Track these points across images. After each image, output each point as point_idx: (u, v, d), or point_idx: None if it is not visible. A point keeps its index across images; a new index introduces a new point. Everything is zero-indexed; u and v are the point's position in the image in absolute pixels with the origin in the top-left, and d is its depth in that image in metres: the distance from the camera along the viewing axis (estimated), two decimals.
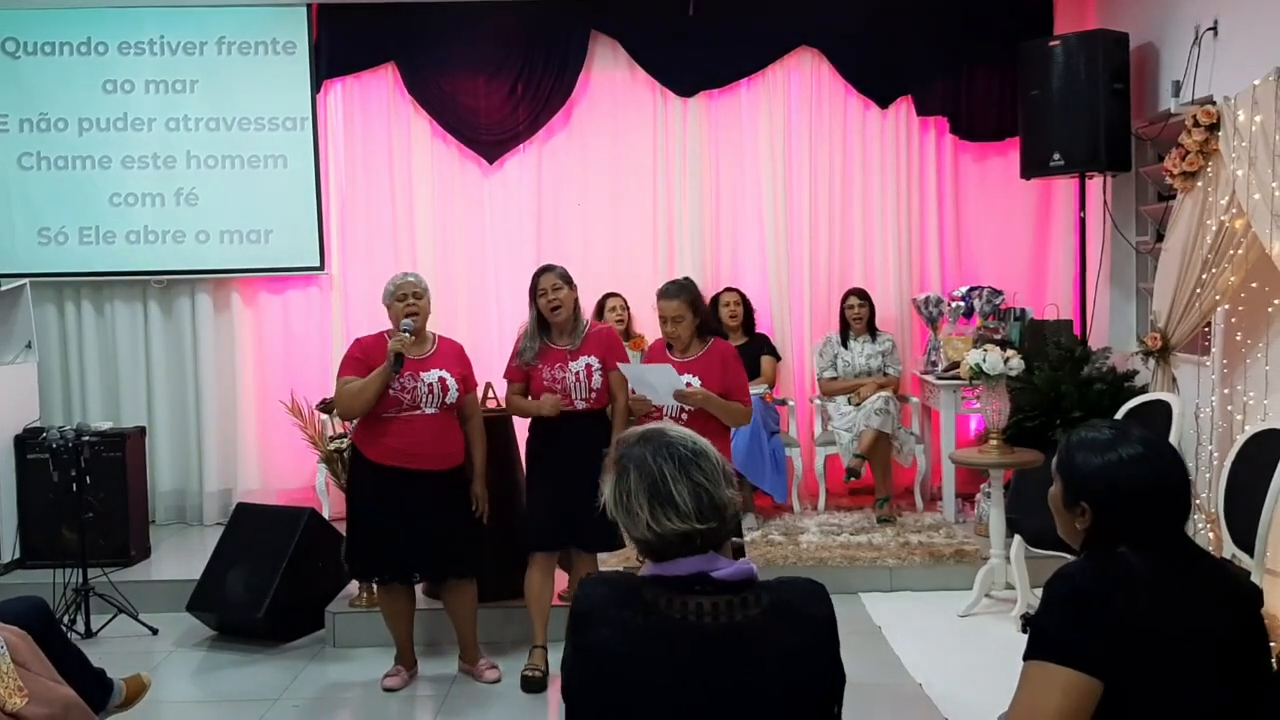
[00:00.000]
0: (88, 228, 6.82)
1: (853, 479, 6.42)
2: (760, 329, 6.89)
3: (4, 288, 6.30)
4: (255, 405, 7.00)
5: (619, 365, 4.55)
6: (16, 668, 3.34)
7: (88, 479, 5.52)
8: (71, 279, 6.89)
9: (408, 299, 4.47)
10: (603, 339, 4.65)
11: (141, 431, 6.37)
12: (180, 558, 6.14)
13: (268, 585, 5.10)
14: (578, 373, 4.52)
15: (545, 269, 4.64)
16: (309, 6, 6.81)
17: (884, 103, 7.00)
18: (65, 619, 5.02)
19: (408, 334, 4.41)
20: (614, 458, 1.92)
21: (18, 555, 5.98)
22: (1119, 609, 1.89)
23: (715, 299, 6.76)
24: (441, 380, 4.44)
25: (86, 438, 5.53)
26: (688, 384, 4.35)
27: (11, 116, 6.80)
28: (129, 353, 6.99)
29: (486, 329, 6.94)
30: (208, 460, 6.98)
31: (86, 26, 6.78)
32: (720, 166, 7.07)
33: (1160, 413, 4.81)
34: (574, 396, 4.52)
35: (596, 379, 4.54)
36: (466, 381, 4.57)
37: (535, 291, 4.58)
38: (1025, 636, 2.00)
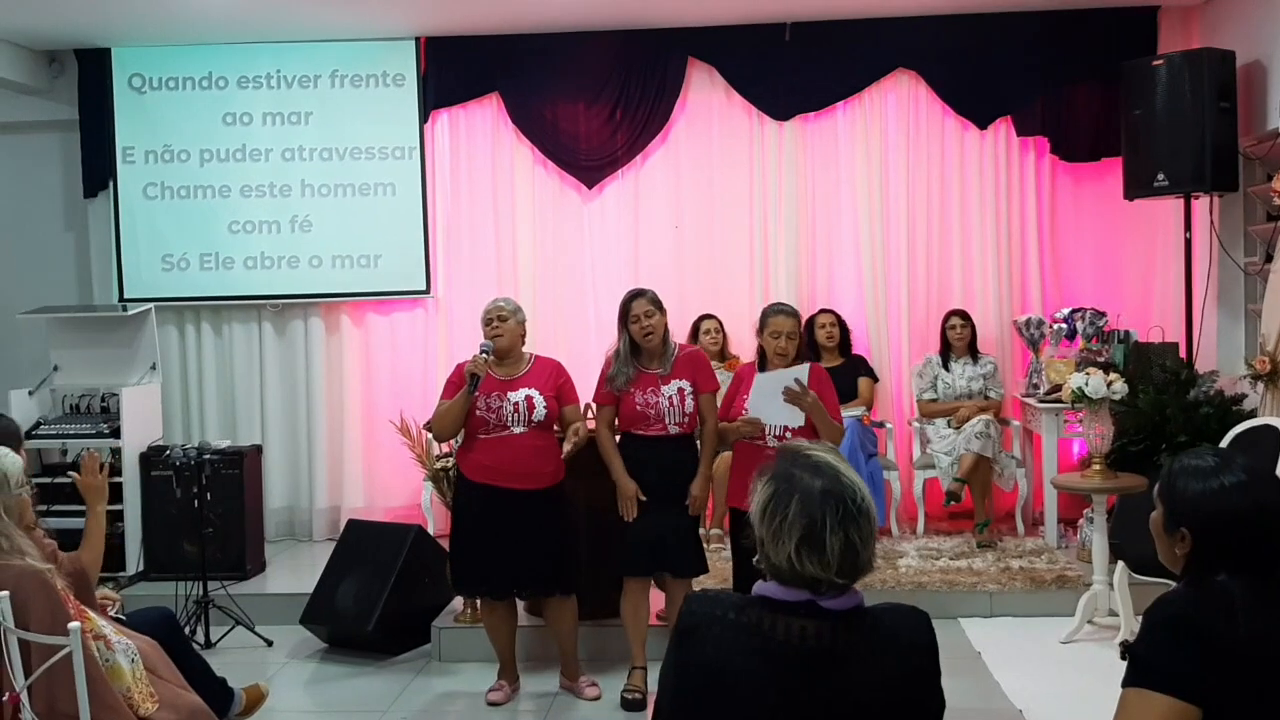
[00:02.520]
0: (208, 254, 7.13)
1: (952, 503, 6.37)
2: (857, 350, 6.89)
3: (131, 312, 6.62)
4: (362, 424, 7.23)
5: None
6: (148, 674, 3.53)
7: (208, 495, 5.78)
8: (192, 303, 7.21)
9: (492, 322, 4.62)
10: (692, 361, 4.69)
11: (258, 450, 6.64)
12: (292, 572, 6.38)
13: (377, 599, 5.26)
14: (671, 397, 4.57)
15: (637, 294, 4.67)
16: (417, 40, 7.05)
17: (983, 124, 6.97)
18: (187, 629, 5.25)
19: (485, 356, 4.54)
20: (779, 470, 1.88)
21: (141, 568, 6.27)
22: (1218, 636, 1.90)
23: (811, 320, 6.79)
24: (528, 399, 4.55)
25: (207, 456, 5.78)
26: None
27: (138, 149, 7.15)
28: (245, 373, 7.28)
29: (585, 351, 7.03)
30: (317, 478, 7.22)
31: (207, 62, 7.10)
32: (816, 189, 7.10)
33: (1268, 438, 4.71)
34: (667, 421, 4.58)
35: (689, 403, 4.60)
36: (563, 398, 4.66)
37: (627, 317, 4.62)
38: (1125, 663, 2.02)
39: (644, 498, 4.57)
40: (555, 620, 4.76)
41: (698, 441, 4.73)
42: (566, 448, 4.59)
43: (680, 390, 4.58)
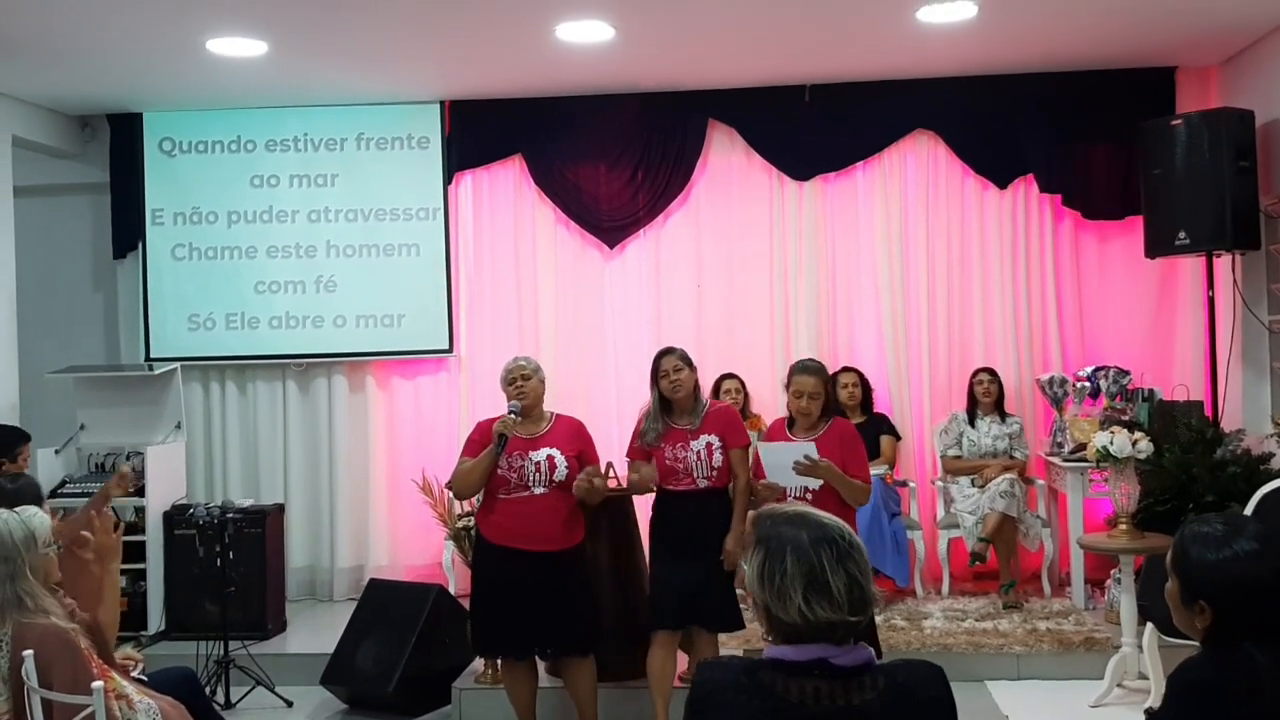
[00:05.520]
0: (234, 314, 7.21)
1: (977, 563, 6.31)
2: (879, 409, 6.88)
3: (157, 371, 6.69)
4: (386, 483, 7.24)
5: (760, 446, 4.57)
6: None
7: (230, 554, 5.79)
8: (217, 362, 7.27)
9: (516, 382, 4.64)
10: (722, 417, 4.71)
11: (280, 509, 6.65)
12: (313, 632, 6.35)
13: (397, 660, 5.24)
14: (699, 451, 4.59)
15: (666, 351, 4.75)
16: (442, 103, 7.16)
17: (1002, 183, 7.00)
18: (207, 689, 5.23)
19: (513, 416, 4.56)
20: (761, 534, 1.92)
21: (162, 627, 6.26)
22: (1242, 706, 1.87)
23: (833, 379, 6.78)
24: (550, 459, 4.54)
25: (230, 514, 5.79)
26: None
27: (167, 211, 7.25)
28: (268, 432, 7.31)
29: (606, 410, 7.05)
30: (339, 537, 7.21)
31: (236, 126, 7.23)
32: (837, 249, 7.14)
33: None
34: (696, 475, 4.59)
35: (718, 457, 4.60)
36: (583, 458, 4.66)
37: (657, 373, 4.69)
38: None
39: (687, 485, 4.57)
40: (574, 681, 4.72)
41: (730, 495, 4.71)
42: (581, 481, 4.55)
43: (708, 445, 4.60)
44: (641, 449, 4.71)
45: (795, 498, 4.37)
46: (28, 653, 3.15)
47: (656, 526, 4.72)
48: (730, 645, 4.99)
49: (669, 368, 4.66)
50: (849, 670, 1.83)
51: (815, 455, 4.33)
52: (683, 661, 4.88)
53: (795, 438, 4.53)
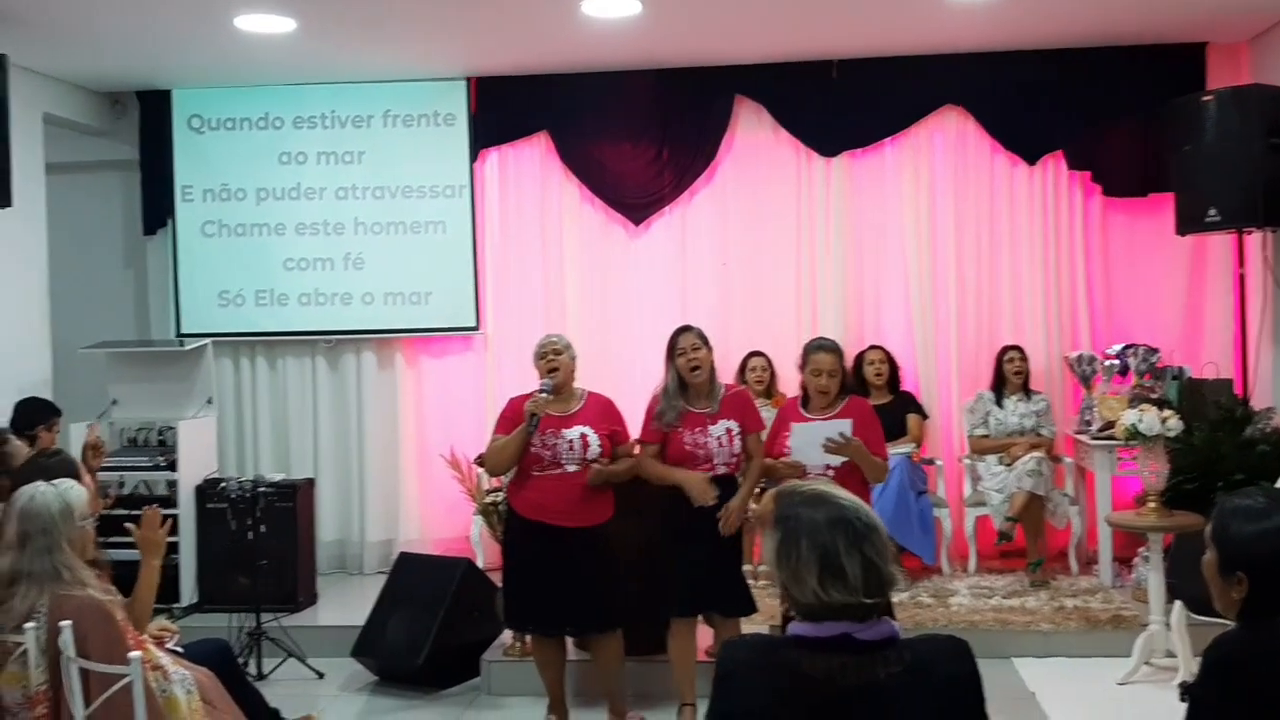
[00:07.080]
0: (263, 291, 7.26)
1: (1004, 542, 6.30)
2: (905, 387, 6.86)
3: (188, 347, 6.75)
4: (415, 458, 7.29)
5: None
6: (204, 705, 3.57)
7: (262, 528, 5.84)
8: (248, 338, 7.33)
9: (548, 357, 4.62)
10: (739, 402, 4.66)
11: (311, 483, 6.71)
12: (344, 605, 6.42)
13: (427, 633, 5.29)
14: (719, 437, 4.53)
15: (684, 329, 4.66)
16: (468, 80, 7.17)
17: (1031, 159, 6.95)
18: (239, 660, 5.29)
19: (545, 393, 4.53)
20: (780, 514, 1.91)
21: (195, 600, 6.34)
22: (1274, 679, 1.87)
23: (860, 357, 6.77)
24: (583, 437, 4.54)
25: (262, 488, 5.85)
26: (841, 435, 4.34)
27: (196, 188, 7.30)
28: (298, 407, 7.38)
29: (632, 388, 6.96)
30: (369, 511, 7.28)
31: (264, 103, 7.26)
32: (864, 225, 7.10)
33: None
34: (716, 461, 4.53)
35: (737, 443, 4.56)
36: (615, 436, 4.65)
37: (674, 351, 4.60)
38: (1185, 705, 1.99)
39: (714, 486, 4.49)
40: (601, 656, 4.75)
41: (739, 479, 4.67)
42: (599, 468, 4.55)
43: (729, 430, 4.55)
44: (658, 431, 4.60)
45: (816, 475, 4.36)
46: (65, 623, 3.20)
47: (667, 511, 4.63)
48: (751, 626, 5.00)
49: (687, 345, 4.57)
50: (873, 645, 1.82)
51: (849, 433, 4.28)
52: (707, 636, 4.89)
53: (811, 416, 4.50)
